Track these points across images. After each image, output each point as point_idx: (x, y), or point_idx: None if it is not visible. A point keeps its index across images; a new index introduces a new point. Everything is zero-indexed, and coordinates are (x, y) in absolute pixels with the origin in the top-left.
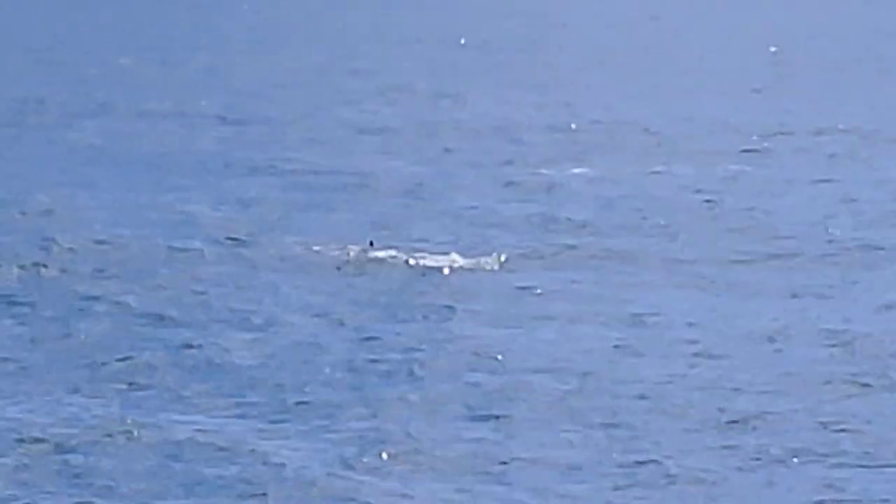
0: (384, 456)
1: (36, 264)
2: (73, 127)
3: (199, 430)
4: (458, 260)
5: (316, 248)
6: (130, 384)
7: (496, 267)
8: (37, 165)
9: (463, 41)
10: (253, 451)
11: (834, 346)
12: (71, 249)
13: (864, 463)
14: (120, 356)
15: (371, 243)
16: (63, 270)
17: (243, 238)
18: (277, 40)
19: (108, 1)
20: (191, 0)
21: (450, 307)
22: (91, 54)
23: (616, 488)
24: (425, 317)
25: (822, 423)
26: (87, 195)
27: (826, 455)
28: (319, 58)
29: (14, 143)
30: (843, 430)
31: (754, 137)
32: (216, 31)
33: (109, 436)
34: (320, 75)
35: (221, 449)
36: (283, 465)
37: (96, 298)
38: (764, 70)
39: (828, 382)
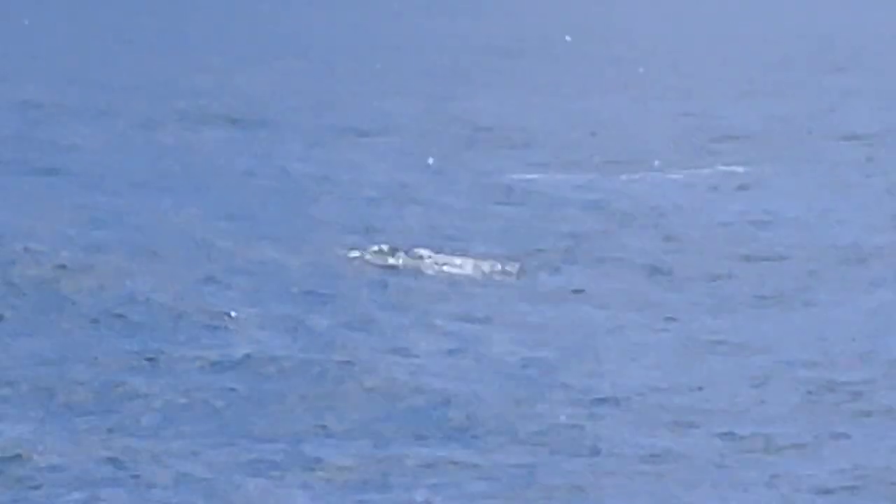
0: (319, 474)
1: (10, 268)
2: (74, 130)
3: (131, 445)
4: (443, 264)
5: (302, 252)
6: (84, 397)
7: (480, 271)
8: (35, 168)
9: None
10: (194, 472)
11: (808, 351)
12: (47, 255)
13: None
14: (81, 366)
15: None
16: (37, 276)
17: (225, 244)
18: (291, 42)
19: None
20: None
21: (425, 311)
22: (98, 56)
23: (565, 489)
24: (401, 320)
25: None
26: (75, 202)
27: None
28: (333, 59)
29: (13, 143)
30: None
31: (758, 141)
32: (229, 31)
33: (53, 453)
34: (332, 77)
35: (154, 465)
36: (211, 481)
37: (64, 304)
38: (773, 71)
39: (796, 389)
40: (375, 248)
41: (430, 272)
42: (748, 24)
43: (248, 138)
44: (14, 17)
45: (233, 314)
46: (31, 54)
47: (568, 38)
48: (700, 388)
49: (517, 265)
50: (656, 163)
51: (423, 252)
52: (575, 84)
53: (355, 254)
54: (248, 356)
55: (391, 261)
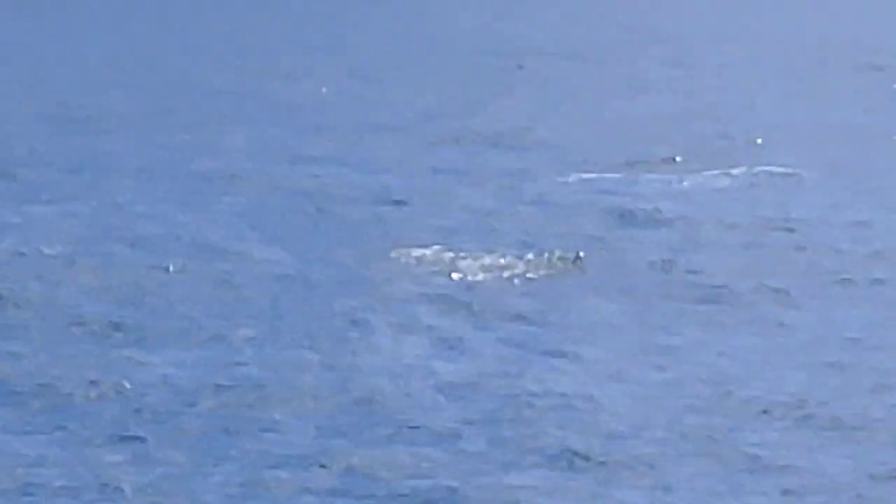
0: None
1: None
2: (96, 134)
3: (119, 456)
4: (467, 264)
5: (322, 253)
6: (81, 405)
7: (503, 272)
8: (51, 171)
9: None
10: (179, 481)
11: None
12: (59, 259)
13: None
14: (83, 373)
15: None
16: (46, 280)
17: (246, 248)
18: (322, 41)
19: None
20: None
21: (434, 312)
22: (137, 59)
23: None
24: (400, 320)
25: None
26: (76, 209)
27: None
28: (373, 63)
29: (40, 144)
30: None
31: (799, 142)
32: (262, 32)
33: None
34: (361, 75)
35: (141, 476)
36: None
37: (46, 311)
38: (811, 72)
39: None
40: (401, 248)
41: (455, 273)
42: (781, 25)
43: (280, 141)
44: (58, 22)
45: (249, 322)
46: (72, 59)
47: (583, 48)
48: (673, 396)
49: (539, 265)
50: (693, 163)
51: (448, 254)
52: (609, 84)
53: (377, 253)
54: (254, 365)
55: (416, 262)
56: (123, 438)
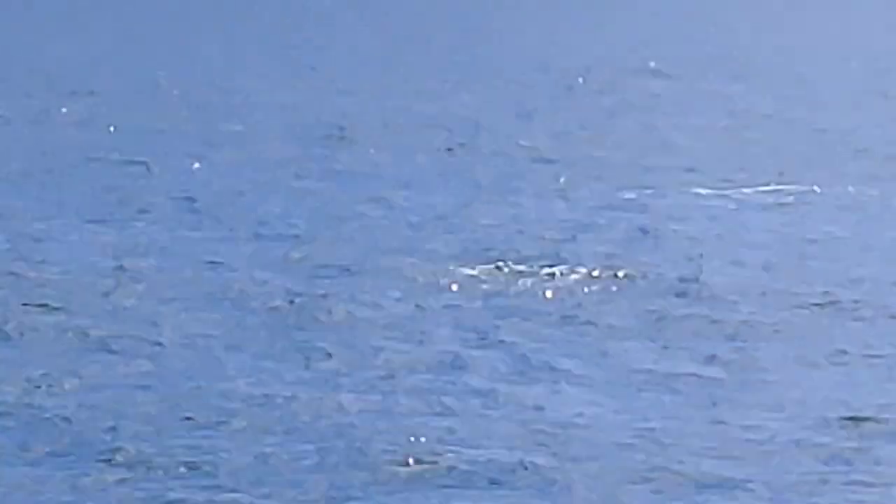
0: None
1: (24, 293)
2: (139, 148)
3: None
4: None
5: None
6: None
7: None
8: (70, 182)
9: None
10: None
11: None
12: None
13: None
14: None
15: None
16: (49, 300)
17: (257, 269)
18: (383, 58)
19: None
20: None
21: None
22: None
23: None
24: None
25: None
26: (111, 226)
27: None
28: (432, 78)
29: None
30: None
31: (846, 163)
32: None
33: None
34: (421, 97)
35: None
36: None
37: (60, 327)
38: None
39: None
40: (442, 263)
41: (490, 287)
42: (852, 43)
43: (324, 156)
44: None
45: (278, 336)
46: (116, 71)
47: (652, 63)
48: (679, 419)
49: (572, 281)
50: (743, 180)
51: (487, 269)
52: (665, 99)
53: (417, 268)
54: (264, 372)
55: (457, 277)
56: (114, 452)
